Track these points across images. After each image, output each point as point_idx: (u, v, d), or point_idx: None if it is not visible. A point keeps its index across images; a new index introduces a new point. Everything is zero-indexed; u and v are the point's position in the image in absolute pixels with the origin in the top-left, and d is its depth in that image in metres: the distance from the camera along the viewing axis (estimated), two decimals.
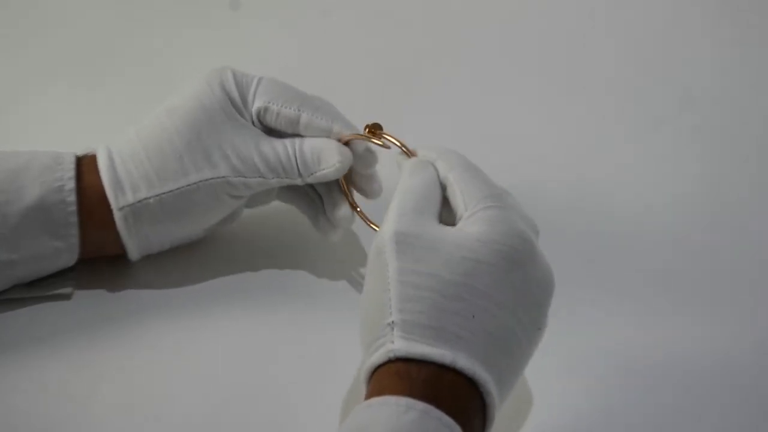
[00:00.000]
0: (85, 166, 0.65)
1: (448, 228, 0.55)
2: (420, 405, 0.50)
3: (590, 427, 0.62)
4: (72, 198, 0.64)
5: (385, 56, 0.89)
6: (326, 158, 0.65)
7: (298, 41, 0.91)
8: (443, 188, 0.59)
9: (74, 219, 0.64)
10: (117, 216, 0.64)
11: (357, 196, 0.68)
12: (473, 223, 0.55)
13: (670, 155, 0.81)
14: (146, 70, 0.87)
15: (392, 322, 0.52)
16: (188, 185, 0.64)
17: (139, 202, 0.64)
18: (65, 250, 0.64)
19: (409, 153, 0.62)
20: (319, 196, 0.69)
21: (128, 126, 0.67)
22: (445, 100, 0.86)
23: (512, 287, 0.54)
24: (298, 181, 0.66)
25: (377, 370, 0.53)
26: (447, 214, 0.58)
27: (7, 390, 0.62)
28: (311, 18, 0.94)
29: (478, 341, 0.52)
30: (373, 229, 0.66)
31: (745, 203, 0.78)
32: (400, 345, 0.52)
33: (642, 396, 0.63)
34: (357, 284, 0.69)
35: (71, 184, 0.64)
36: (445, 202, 0.59)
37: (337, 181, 0.67)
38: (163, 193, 0.64)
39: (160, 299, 0.67)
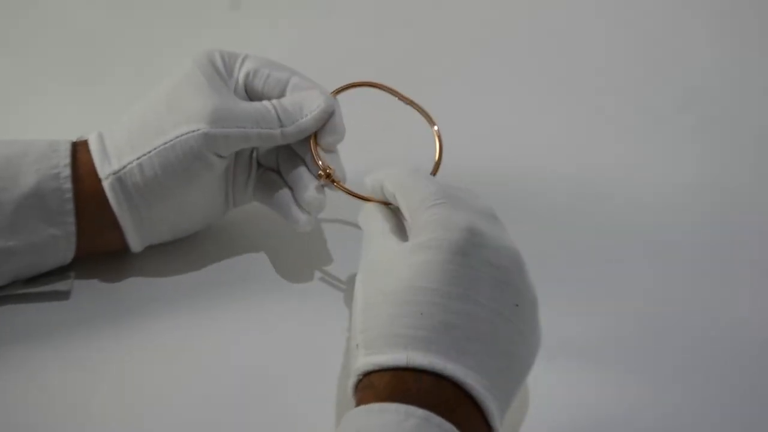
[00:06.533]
0: (80, 150, 0.65)
1: (403, 244, 0.58)
2: (420, 412, 0.51)
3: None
4: (68, 185, 0.64)
5: (385, 56, 0.89)
6: (308, 103, 0.66)
7: (299, 41, 0.91)
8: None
9: (70, 206, 0.64)
10: (105, 186, 0.64)
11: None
12: (416, 231, 0.58)
13: (669, 154, 0.81)
14: (146, 70, 0.87)
15: (357, 344, 0.56)
16: (165, 143, 0.64)
17: (123, 168, 0.64)
18: (62, 238, 0.64)
19: (359, 197, 0.65)
20: (290, 189, 0.68)
21: None
22: (445, 100, 0.85)
23: (459, 276, 0.55)
24: (278, 137, 0.66)
25: (356, 391, 0.55)
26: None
27: (6, 390, 0.62)
28: (311, 18, 0.94)
29: (433, 336, 0.54)
30: (350, 194, 0.65)
31: (744, 202, 0.78)
32: (361, 362, 0.55)
33: (638, 397, 0.63)
34: None
35: (67, 171, 0.64)
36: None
37: (306, 166, 0.67)
38: (143, 155, 0.64)
39: (159, 297, 0.67)
